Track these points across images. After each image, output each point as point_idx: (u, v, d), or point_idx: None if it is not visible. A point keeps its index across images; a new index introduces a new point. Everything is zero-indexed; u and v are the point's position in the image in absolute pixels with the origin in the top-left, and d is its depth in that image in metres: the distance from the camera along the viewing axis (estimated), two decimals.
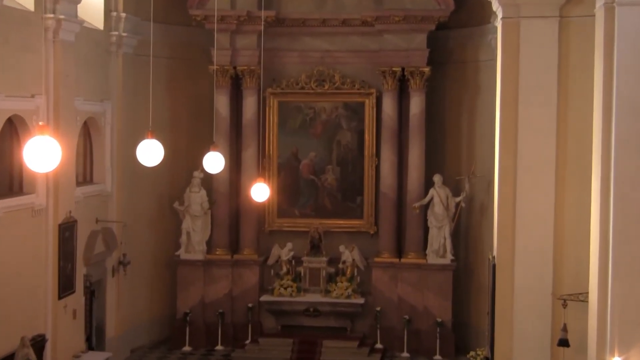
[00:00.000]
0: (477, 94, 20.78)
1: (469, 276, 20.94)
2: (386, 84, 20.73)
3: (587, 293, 14.16)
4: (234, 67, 20.94)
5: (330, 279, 20.91)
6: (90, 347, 18.24)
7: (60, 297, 16.29)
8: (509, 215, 15.87)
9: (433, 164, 20.97)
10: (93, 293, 18.68)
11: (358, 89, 21.16)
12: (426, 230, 20.72)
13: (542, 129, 15.64)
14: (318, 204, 21.52)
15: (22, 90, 15.07)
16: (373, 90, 21.07)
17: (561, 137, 15.64)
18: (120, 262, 19.76)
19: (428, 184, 20.66)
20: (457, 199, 20.40)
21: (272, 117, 21.40)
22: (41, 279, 15.94)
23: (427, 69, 20.49)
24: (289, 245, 21.00)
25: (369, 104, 21.17)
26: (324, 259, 20.88)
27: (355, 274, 20.83)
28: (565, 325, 14.90)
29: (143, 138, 10.39)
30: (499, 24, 16.44)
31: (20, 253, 15.16)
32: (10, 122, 15.12)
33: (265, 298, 20.87)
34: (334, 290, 20.63)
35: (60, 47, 15.97)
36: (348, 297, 20.54)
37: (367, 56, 21.09)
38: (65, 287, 16.45)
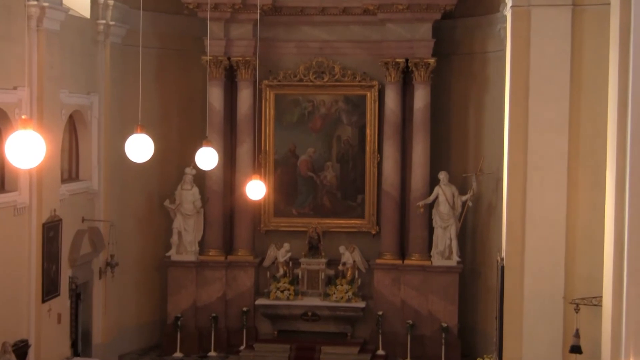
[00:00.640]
0: (485, 87, 20.65)
1: (476, 279, 20.81)
2: (389, 77, 20.55)
3: (601, 297, 14.03)
4: (228, 58, 20.80)
5: (330, 281, 20.76)
6: (76, 354, 18.20)
7: (44, 301, 16.19)
8: (519, 215, 15.82)
9: (438, 160, 20.87)
10: (79, 296, 18.55)
11: (359, 82, 21.02)
12: (431, 230, 20.56)
13: (553, 124, 15.57)
14: (317, 203, 21.39)
15: (4, 82, 14.92)
16: (375, 83, 20.94)
17: (574, 133, 15.56)
18: (107, 264, 19.61)
19: (433, 181, 20.51)
20: (464, 198, 20.22)
21: (269, 111, 21.28)
22: (24, 282, 15.86)
23: (432, 61, 20.34)
24: (286, 246, 20.83)
25: (371, 97, 21.03)
26: (323, 260, 20.73)
27: (356, 276, 20.67)
28: (577, 330, 14.81)
29: (132, 133, 10.29)
30: (508, 12, 16.43)
31: (1, 254, 15.06)
32: None
33: (260, 302, 20.72)
34: (334, 293, 20.45)
35: (44, 36, 15.85)
36: (348, 300, 20.35)
37: (368, 47, 20.97)
38: (49, 289, 16.36)
